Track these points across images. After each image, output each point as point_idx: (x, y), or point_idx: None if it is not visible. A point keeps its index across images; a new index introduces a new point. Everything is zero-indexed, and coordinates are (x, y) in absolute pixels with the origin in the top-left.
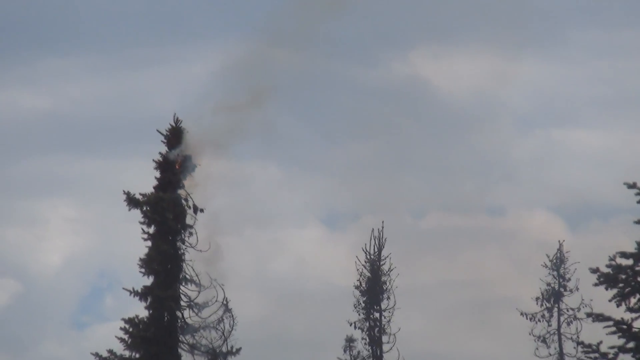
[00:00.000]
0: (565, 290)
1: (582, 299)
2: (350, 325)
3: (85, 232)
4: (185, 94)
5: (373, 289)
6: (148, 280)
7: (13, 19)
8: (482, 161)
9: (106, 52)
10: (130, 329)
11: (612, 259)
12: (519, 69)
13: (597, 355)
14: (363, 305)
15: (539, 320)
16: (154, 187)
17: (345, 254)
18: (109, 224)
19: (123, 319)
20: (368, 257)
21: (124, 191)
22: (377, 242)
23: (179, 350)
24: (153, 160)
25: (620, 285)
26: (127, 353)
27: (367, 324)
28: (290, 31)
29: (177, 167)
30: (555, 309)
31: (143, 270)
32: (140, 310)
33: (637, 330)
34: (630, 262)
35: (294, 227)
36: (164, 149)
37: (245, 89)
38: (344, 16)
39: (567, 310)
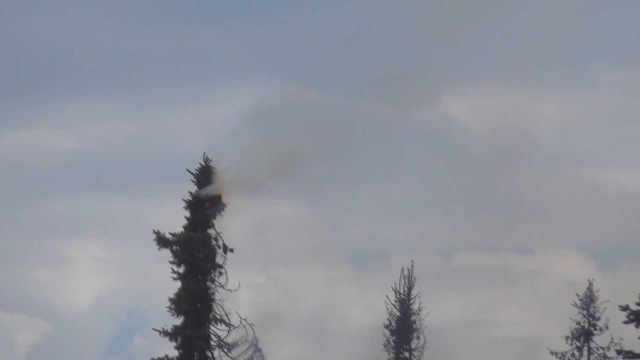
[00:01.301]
0: (595, 329)
1: (612, 338)
2: None
3: (114, 272)
4: (214, 133)
5: (403, 328)
6: (178, 320)
7: (41, 60)
8: (510, 200)
9: (133, 92)
10: None
11: None
12: (547, 108)
13: None
14: (393, 344)
15: (570, 359)
16: (184, 227)
17: (374, 293)
18: (138, 264)
19: (152, 359)
20: (398, 296)
21: (153, 230)
22: (406, 281)
23: None
24: (183, 199)
25: None
26: None
27: None
28: (318, 72)
29: (206, 206)
30: (586, 348)
31: (173, 310)
32: (170, 350)
33: None
34: None
35: (323, 266)
36: (193, 188)
37: (273, 129)
38: (371, 56)
39: (597, 349)
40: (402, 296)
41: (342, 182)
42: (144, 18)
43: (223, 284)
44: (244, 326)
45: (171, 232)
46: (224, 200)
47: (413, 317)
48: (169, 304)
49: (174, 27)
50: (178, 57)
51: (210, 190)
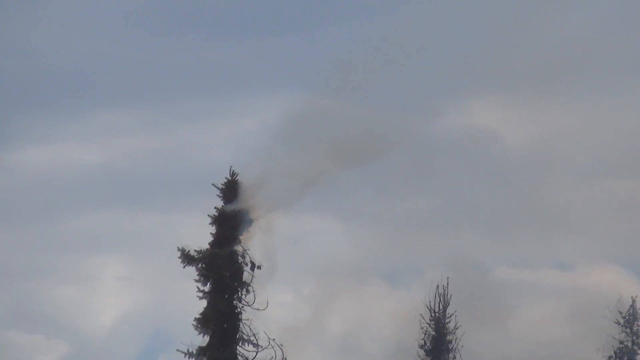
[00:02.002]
0: None
1: None
2: None
3: (138, 291)
4: (240, 147)
5: (438, 348)
6: (204, 340)
7: (65, 73)
8: (548, 213)
9: (159, 105)
10: None
11: None
12: (582, 117)
13: None
14: None
15: None
16: (210, 243)
17: (408, 312)
18: (163, 282)
19: None
20: (432, 314)
21: (178, 248)
22: (441, 299)
23: None
24: (208, 215)
25: None
26: None
27: None
28: (345, 84)
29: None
30: None
31: (198, 329)
32: None
33: None
34: None
35: (354, 282)
36: (219, 203)
37: (300, 142)
38: (398, 66)
39: None
40: (437, 314)
41: (373, 195)
42: (169, 30)
43: (250, 302)
44: (272, 347)
45: (196, 248)
46: (251, 215)
47: (449, 337)
48: (194, 323)
49: (199, 39)
50: (203, 71)
51: (236, 205)
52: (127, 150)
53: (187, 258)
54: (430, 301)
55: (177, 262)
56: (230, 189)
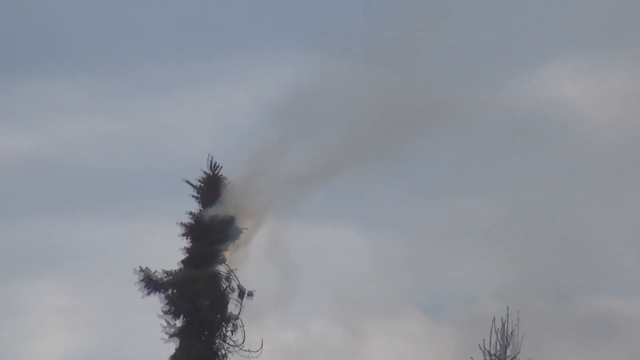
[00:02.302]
0: None
1: None
2: None
3: (84, 327)
4: (226, 131)
5: None
6: None
7: None
8: None
9: (116, 74)
10: None
11: None
12: None
13: None
14: None
15: None
16: (182, 262)
17: (455, 354)
18: (118, 315)
19: None
20: (488, 357)
21: (139, 268)
22: (500, 337)
23: None
24: (180, 223)
25: None
26: None
27: None
28: (368, 44)
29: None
30: None
31: None
32: None
33: None
34: None
35: (384, 316)
36: (195, 207)
37: (306, 123)
38: (443, 25)
39: None
40: (494, 357)
41: (407, 198)
42: None
43: (239, 342)
44: None
45: (165, 269)
46: (240, 223)
47: None
48: None
49: None
50: (178, 28)
51: (219, 209)
52: (70, 134)
53: (150, 283)
54: (484, 340)
55: (137, 289)
56: (211, 188)
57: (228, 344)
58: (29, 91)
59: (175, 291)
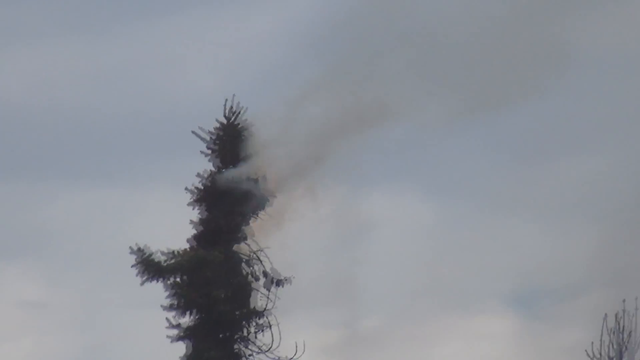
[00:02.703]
0: None
1: None
2: None
3: (59, 327)
4: (243, 64)
5: None
6: None
7: None
8: None
9: None
10: None
11: None
12: None
13: None
14: None
15: None
16: (192, 240)
17: (554, 357)
18: (105, 312)
19: None
20: None
21: (131, 248)
22: (613, 336)
23: None
24: (186, 189)
25: None
26: None
27: None
28: None
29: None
30: None
31: None
32: None
33: None
34: None
35: (462, 311)
36: (208, 167)
37: (355, 57)
38: None
39: None
40: None
41: (485, 160)
42: None
43: (266, 346)
44: None
45: (168, 249)
46: (266, 189)
47: None
48: None
49: None
50: None
51: (239, 171)
52: (33, 69)
53: (148, 267)
54: (592, 342)
55: (131, 275)
56: (228, 142)
57: (251, 349)
58: None
59: (182, 279)
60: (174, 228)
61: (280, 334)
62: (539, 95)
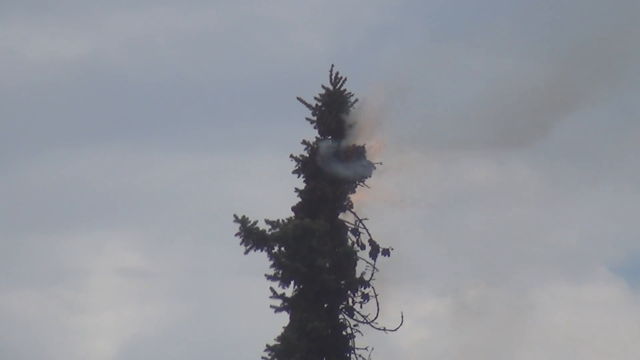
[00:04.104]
0: None
1: None
2: None
3: (159, 296)
4: (349, 27)
5: None
6: None
7: None
8: None
9: None
10: None
11: None
12: None
13: None
14: None
15: None
16: (294, 209)
17: None
18: (206, 280)
19: None
20: None
21: (235, 216)
22: None
23: None
24: (291, 156)
25: None
26: None
27: None
28: None
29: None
30: None
31: None
32: None
33: None
34: None
35: (570, 280)
36: (312, 134)
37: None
38: None
39: None
40: None
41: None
42: None
43: (370, 317)
44: None
45: (270, 219)
46: (373, 155)
47: None
48: (267, 356)
49: None
50: None
51: (346, 138)
52: (131, 33)
53: (252, 236)
54: None
55: (234, 243)
56: (333, 109)
57: (356, 319)
58: None
59: (284, 248)
60: (278, 195)
61: (378, 305)
62: None
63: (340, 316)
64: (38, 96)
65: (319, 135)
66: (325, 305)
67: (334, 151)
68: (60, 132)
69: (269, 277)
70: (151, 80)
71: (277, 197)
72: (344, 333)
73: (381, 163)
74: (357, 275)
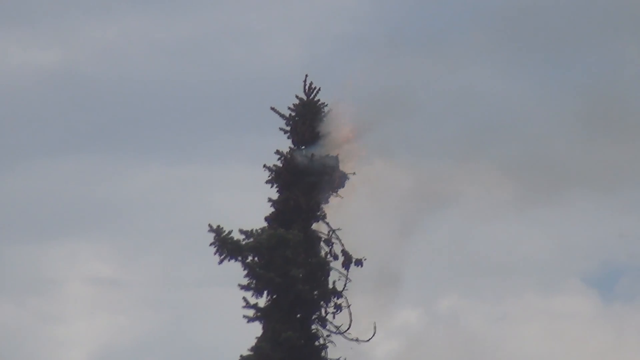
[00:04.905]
0: None
1: None
2: None
3: (132, 305)
4: (321, 37)
5: None
6: None
7: None
8: None
9: None
10: None
11: None
12: None
13: None
14: None
15: None
16: (268, 219)
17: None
18: (179, 290)
19: None
20: None
21: (210, 226)
22: None
23: None
24: (264, 166)
25: None
26: None
27: None
28: None
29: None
30: None
31: None
32: None
33: None
34: None
35: (539, 290)
36: (286, 144)
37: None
38: None
39: None
40: None
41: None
42: None
43: (343, 328)
44: None
45: (243, 229)
46: (345, 167)
47: None
48: None
49: None
50: None
51: (318, 148)
52: (104, 42)
53: (226, 246)
54: None
55: (208, 253)
56: (307, 119)
57: (329, 330)
58: None
59: (258, 258)
60: (252, 205)
61: (350, 316)
62: None
63: (313, 326)
64: (10, 106)
65: (292, 145)
66: (299, 316)
67: (310, 160)
68: (32, 142)
69: (242, 287)
70: (124, 90)
71: (250, 207)
72: (317, 343)
73: (354, 173)
74: (330, 285)
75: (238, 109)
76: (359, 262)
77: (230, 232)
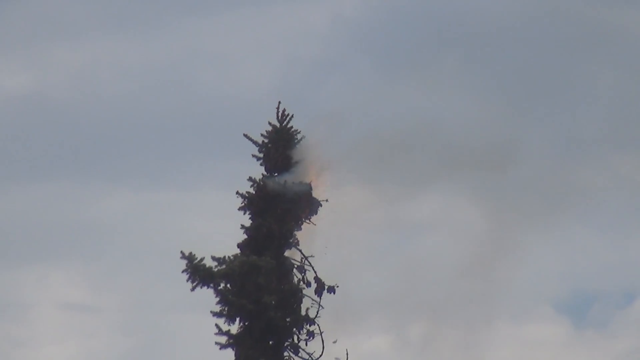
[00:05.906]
0: None
1: None
2: None
3: (104, 331)
4: (294, 62)
5: None
6: None
7: None
8: None
9: None
10: None
11: None
12: None
13: None
14: None
15: None
16: (240, 245)
17: None
18: (151, 316)
19: None
20: None
21: (182, 253)
22: None
23: None
24: (237, 193)
25: None
26: None
27: None
28: None
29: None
30: None
31: None
32: None
33: None
34: None
35: (510, 318)
36: (258, 171)
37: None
38: None
39: None
40: None
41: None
42: None
43: (315, 355)
44: None
45: (216, 255)
46: (318, 194)
47: None
48: None
49: None
50: None
51: (291, 175)
52: (78, 65)
53: (198, 273)
54: None
55: (179, 279)
56: (280, 145)
57: (301, 357)
58: (23, 7)
59: (230, 285)
60: (224, 232)
61: (323, 343)
62: None
63: (286, 354)
64: None
65: (265, 172)
66: (271, 343)
67: (282, 187)
68: (2, 167)
69: (215, 314)
70: (95, 114)
71: (223, 234)
72: None
73: (327, 200)
74: (303, 312)
75: (211, 134)
76: (331, 289)
77: (202, 259)
